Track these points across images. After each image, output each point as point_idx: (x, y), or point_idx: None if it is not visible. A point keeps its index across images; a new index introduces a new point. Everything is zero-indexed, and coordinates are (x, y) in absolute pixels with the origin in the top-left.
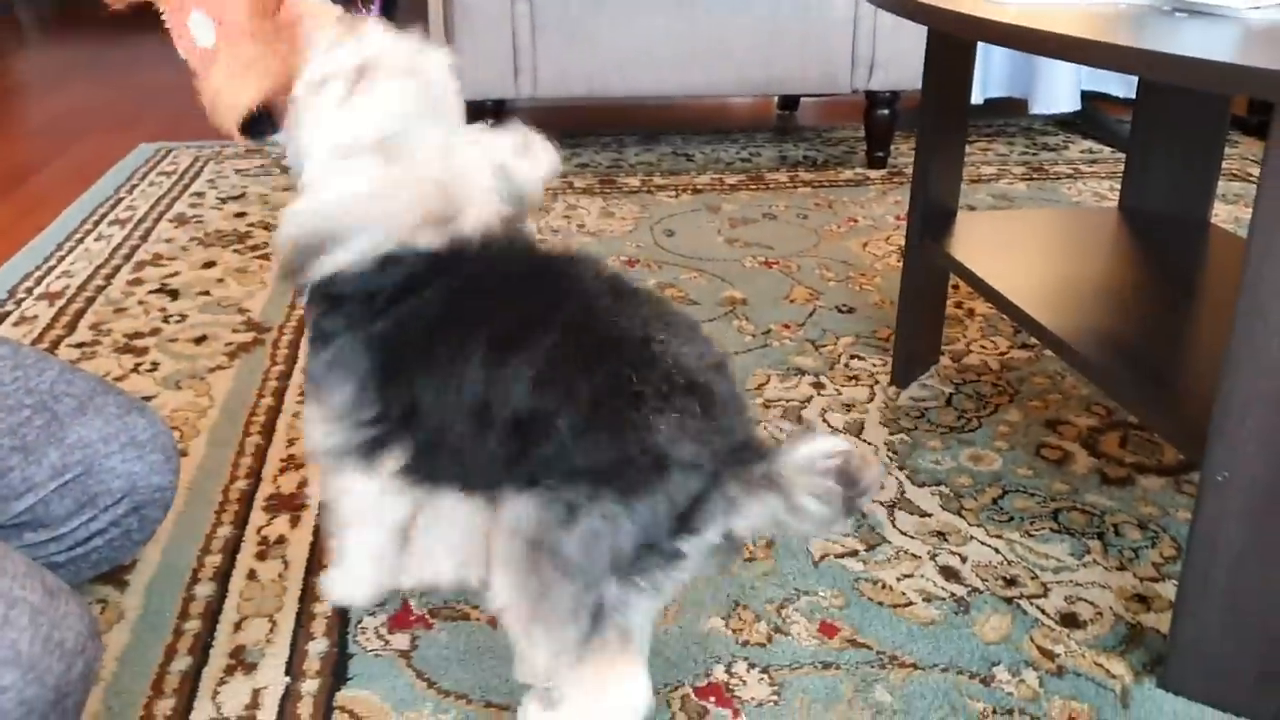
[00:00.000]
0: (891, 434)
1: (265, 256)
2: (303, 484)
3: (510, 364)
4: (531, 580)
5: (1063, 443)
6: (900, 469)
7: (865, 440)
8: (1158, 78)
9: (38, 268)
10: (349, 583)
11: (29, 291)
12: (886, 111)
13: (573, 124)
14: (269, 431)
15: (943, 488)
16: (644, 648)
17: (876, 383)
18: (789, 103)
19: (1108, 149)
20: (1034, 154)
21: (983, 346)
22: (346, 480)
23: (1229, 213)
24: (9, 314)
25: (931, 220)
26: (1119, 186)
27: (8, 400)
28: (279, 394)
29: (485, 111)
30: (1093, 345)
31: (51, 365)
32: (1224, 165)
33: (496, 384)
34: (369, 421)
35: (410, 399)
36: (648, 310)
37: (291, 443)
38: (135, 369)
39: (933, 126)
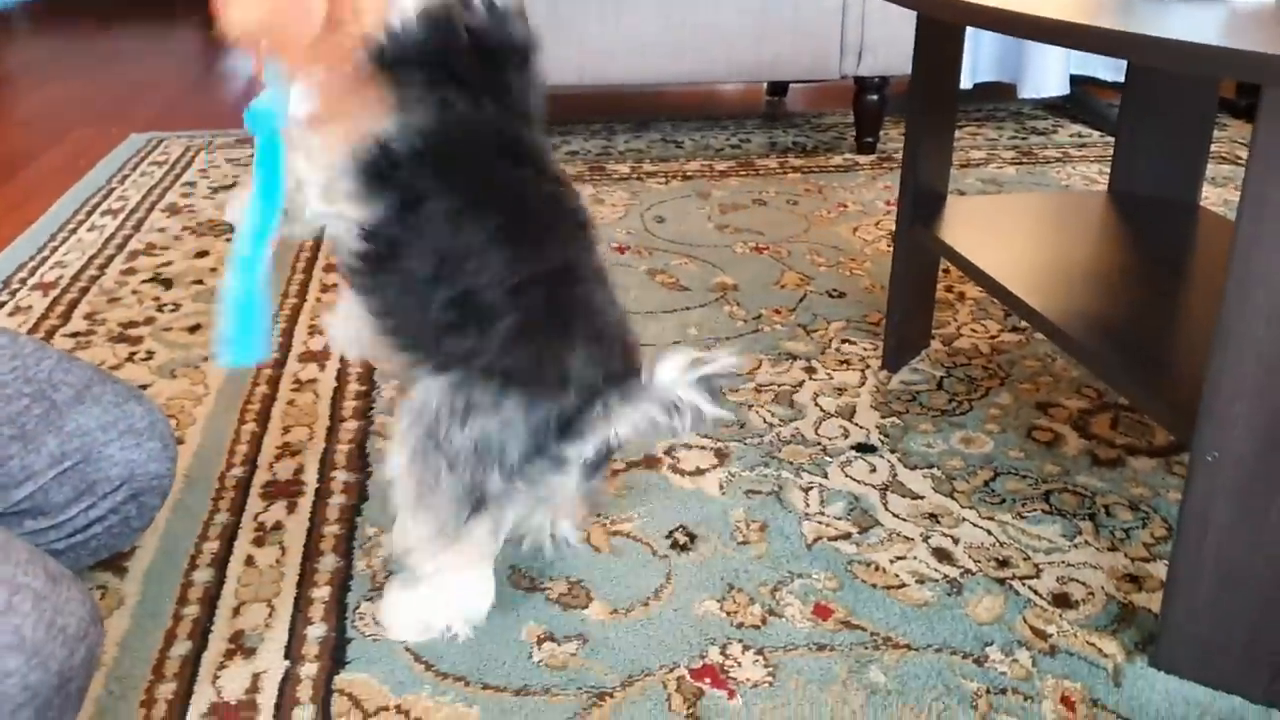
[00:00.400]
0: (883, 418)
1: None
2: (299, 470)
3: (488, 247)
4: (424, 466)
5: (1054, 425)
6: (892, 452)
7: (857, 424)
8: (1146, 62)
9: (31, 258)
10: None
11: (23, 282)
12: (875, 97)
13: (562, 112)
14: (264, 419)
15: (935, 470)
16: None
17: (868, 367)
18: (778, 89)
19: (1097, 133)
20: (1023, 138)
21: (973, 330)
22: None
23: (1218, 195)
24: (3, 304)
25: (921, 205)
26: (1108, 170)
27: (6, 390)
28: (273, 382)
29: None
30: (1082, 328)
31: (49, 354)
32: (1213, 148)
33: (466, 254)
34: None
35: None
36: (592, 251)
37: (287, 430)
38: (130, 358)
39: (922, 111)
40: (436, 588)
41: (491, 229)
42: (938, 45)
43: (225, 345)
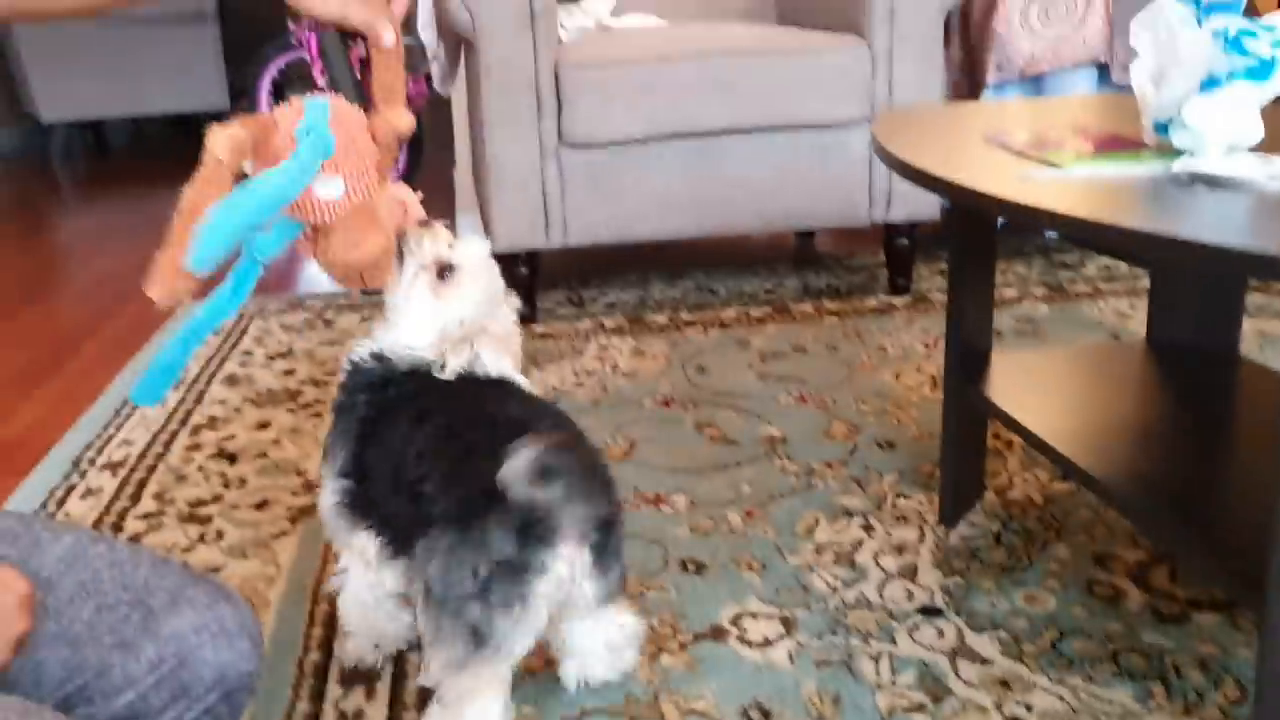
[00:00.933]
0: (945, 577)
1: (318, 415)
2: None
3: (412, 441)
4: (423, 613)
5: (1113, 579)
6: (957, 614)
7: (920, 584)
8: (1173, 260)
9: (98, 437)
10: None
11: (91, 462)
12: (906, 241)
13: (600, 265)
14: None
15: (1001, 633)
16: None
17: (925, 522)
18: (807, 231)
19: (1124, 265)
20: (1052, 273)
21: (1024, 480)
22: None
23: (1250, 325)
24: (74, 487)
25: (967, 363)
26: (1139, 304)
27: (107, 598)
28: None
29: (519, 262)
30: (1132, 487)
31: (144, 559)
32: None
33: (404, 456)
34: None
35: (364, 465)
36: (517, 403)
37: None
38: (201, 538)
39: (961, 272)
40: (454, 712)
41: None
42: (974, 215)
43: (139, 385)
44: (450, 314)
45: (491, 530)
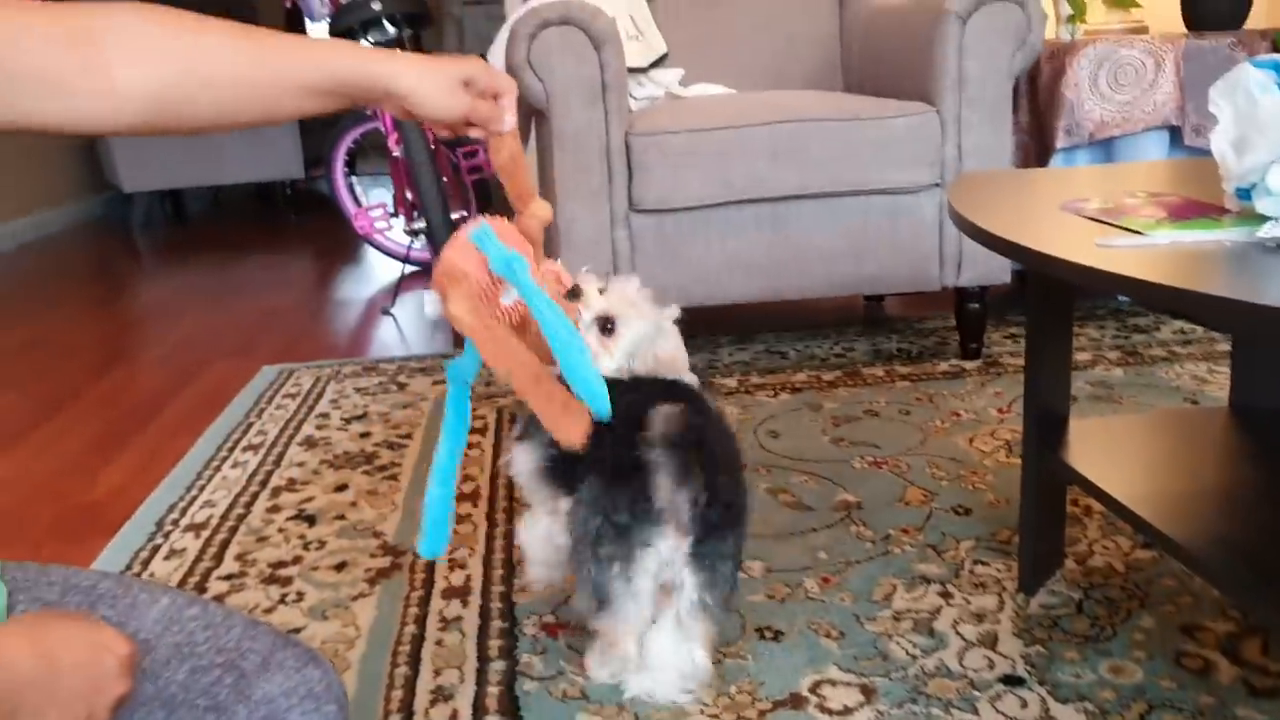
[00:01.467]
0: (1027, 646)
1: (393, 477)
2: (453, 717)
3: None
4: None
5: (1202, 650)
6: (1041, 684)
7: (1001, 653)
8: (1263, 328)
9: (181, 498)
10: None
11: (175, 524)
12: (977, 305)
13: None
14: (415, 661)
15: (1088, 704)
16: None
17: (1004, 589)
18: (876, 294)
19: (1200, 329)
20: (1126, 336)
21: (1105, 547)
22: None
23: None
24: (159, 547)
25: (1046, 430)
26: (1217, 369)
27: (201, 660)
28: (420, 620)
29: None
30: (1221, 556)
31: (236, 620)
32: None
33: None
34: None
35: None
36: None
37: (438, 672)
38: (282, 600)
39: (1038, 336)
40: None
41: None
42: (1052, 284)
43: (422, 539)
44: (618, 358)
45: (613, 495)
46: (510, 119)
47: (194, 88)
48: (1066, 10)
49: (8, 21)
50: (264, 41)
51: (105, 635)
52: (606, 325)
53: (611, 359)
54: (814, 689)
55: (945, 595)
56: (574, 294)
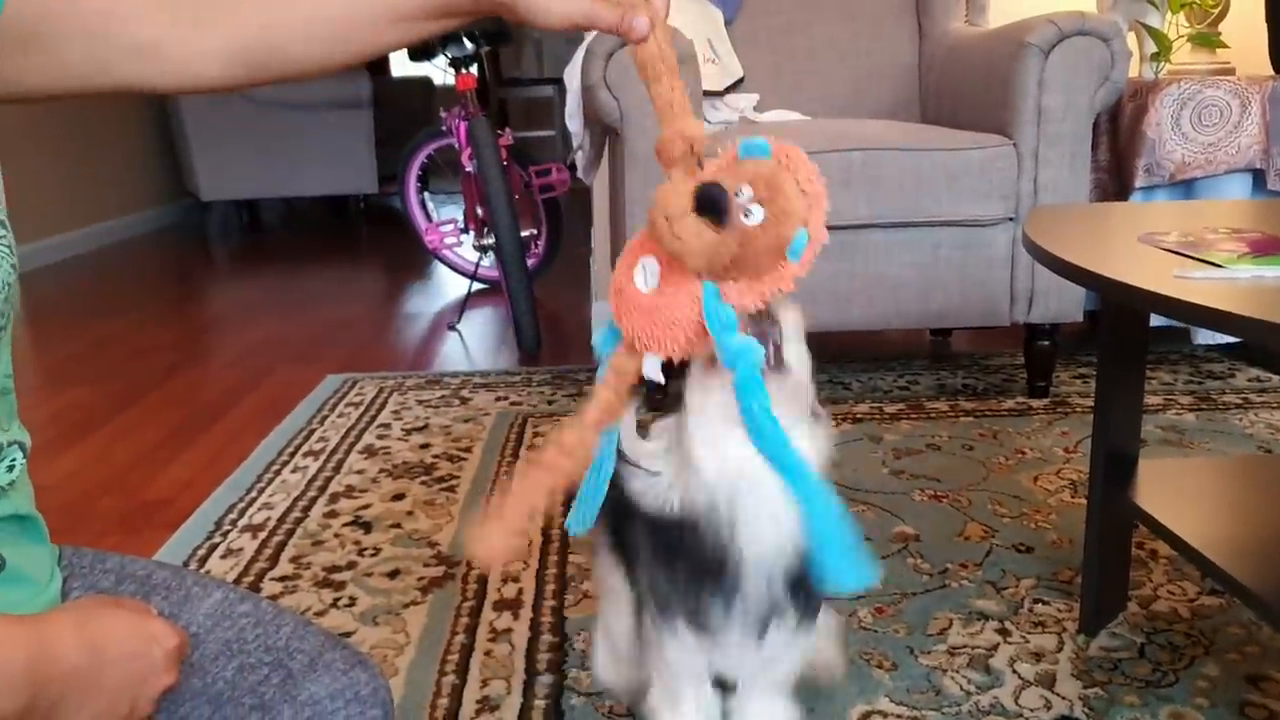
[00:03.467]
0: (1085, 688)
1: (451, 489)
2: None
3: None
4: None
5: (1267, 701)
6: None
7: (1059, 694)
8: None
9: (240, 499)
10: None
11: (233, 524)
12: (1047, 342)
13: None
14: (463, 670)
15: None
16: None
17: (1064, 630)
18: (943, 328)
19: (1276, 376)
20: (1199, 382)
21: (1170, 592)
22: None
23: None
24: (216, 546)
25: (1114, 469)
26: None
27: (250, 658)
28: (470, 630)
29: None
30: None
31: (286, 621)
32: None
33: None
34: None
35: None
36: None
37: (485, 683)
38: (334, 603)
39: (1112, 375)
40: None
41: None
42: (1127, 316)
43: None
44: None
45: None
46: (642, 22)
47: (316, 36)
48: (1151, 48)
49: None
50: None
51: (154, 627)
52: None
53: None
54: (864, 719)
55: (1003, 632)
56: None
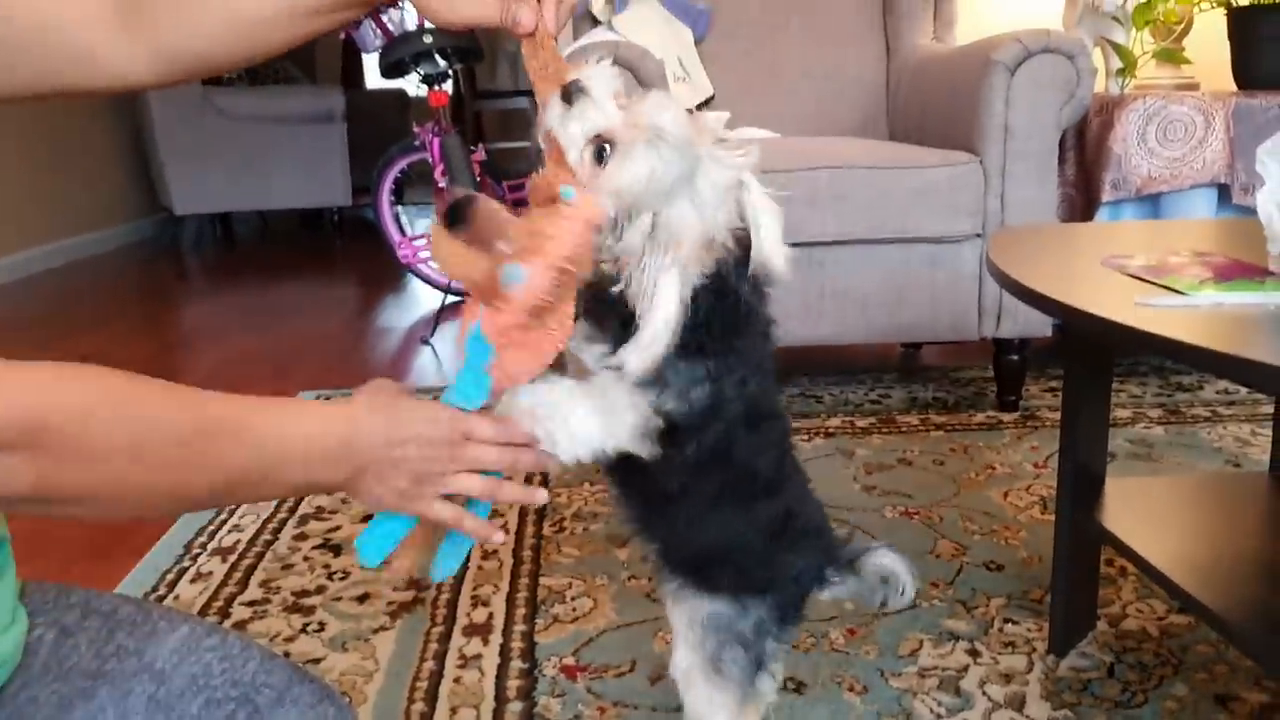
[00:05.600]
0: (1055, 709)
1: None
2: None
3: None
4: (715, 656)
5: None
6: None
7: (1028, 716)
8: None
9: (210, 522)
10: None
11: (203, 547)
12: (1016, 357)
13: None
14: (432, 698)
15: None
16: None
17: (1034, 650)
18: (913, 341)
19: (1244, 389)
20: (1169, 395)
21: (1139, 610)
22: None
23: None
24: (186, 570)
25: (1081, 488)
26: (1261, 431)
27: (216, 693)
28: (440, 656)
29: None
30: (1258, 626)
31: (254, 652)
32: None
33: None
34: None
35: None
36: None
37: (454, 710)
38: (304, 629)
39: (1076, 394)
40: None
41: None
42: (1090, 343)
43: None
44: (607, 201)
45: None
46: (526, 16)
47: (231, 37)
48: (1116, 64)
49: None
50: None
51: (448, 428)
52: (601, 151)
53: (597, 199)
54: None
55: (973, 653)
56: (568, 95)
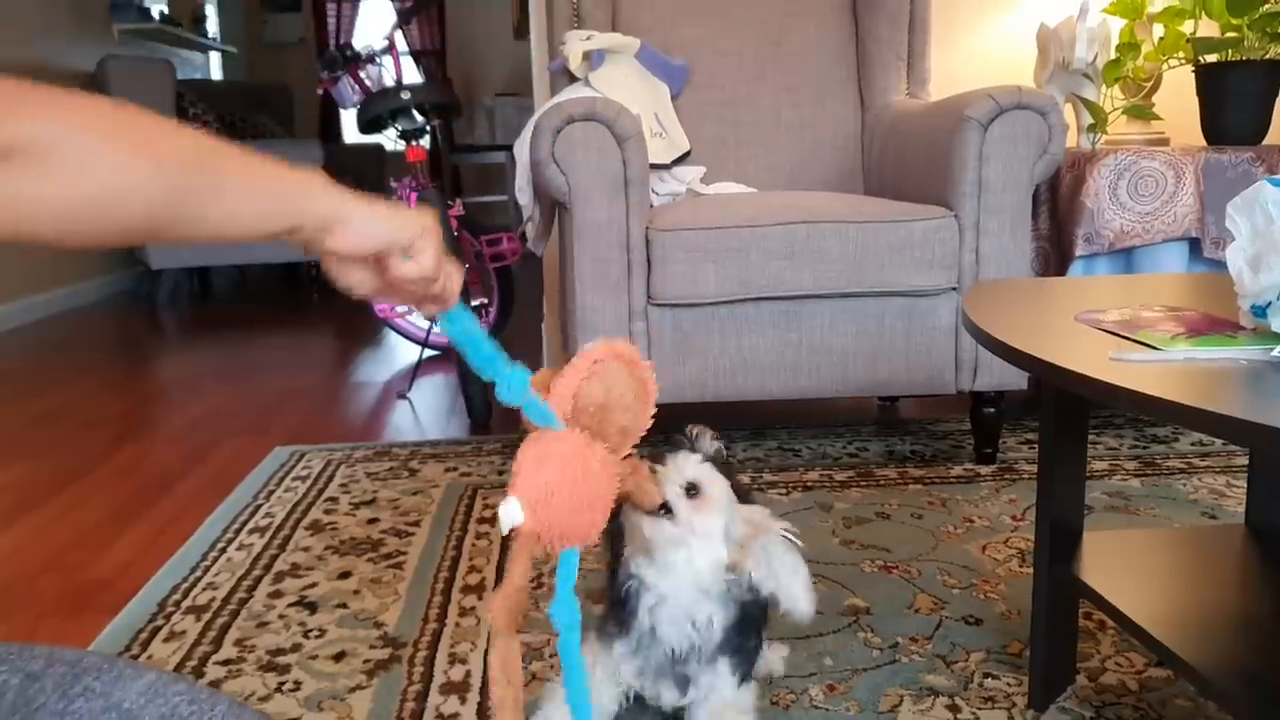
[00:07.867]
0: None
1: (398, 566)
2: None
3: None
4: None
5: None
6: None
7: None
8: (1272, 452)
9: (184, 579)
10: None
11: (177, 605)
12: (993, 410)
13: (683, 422)
14: None
15: None
16: None
17: (1014, 705)
18: (891, 395)
19: (1218, 440)
20: (1144, 446)
21: (1118, 664)
22: None
23: None
24: (159, 629)
25: (1059, 543)
26: (1236, 482)
27: None
28: (417, 716)
29: None
30: (1236, 682)
31: (220, 700)
32: None
33: None
34: None
35: None
36: None
37: None
38: (279, 688)
39: (1052, 449)
40: None
41: None
42: (1066, 397)
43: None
44: (717, 537)
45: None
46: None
47: (122, 214)
48: (1087, 119)
49: None
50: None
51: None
52: (692, 489)
53: (707, 537)
54: None
55: (953, 709)
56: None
